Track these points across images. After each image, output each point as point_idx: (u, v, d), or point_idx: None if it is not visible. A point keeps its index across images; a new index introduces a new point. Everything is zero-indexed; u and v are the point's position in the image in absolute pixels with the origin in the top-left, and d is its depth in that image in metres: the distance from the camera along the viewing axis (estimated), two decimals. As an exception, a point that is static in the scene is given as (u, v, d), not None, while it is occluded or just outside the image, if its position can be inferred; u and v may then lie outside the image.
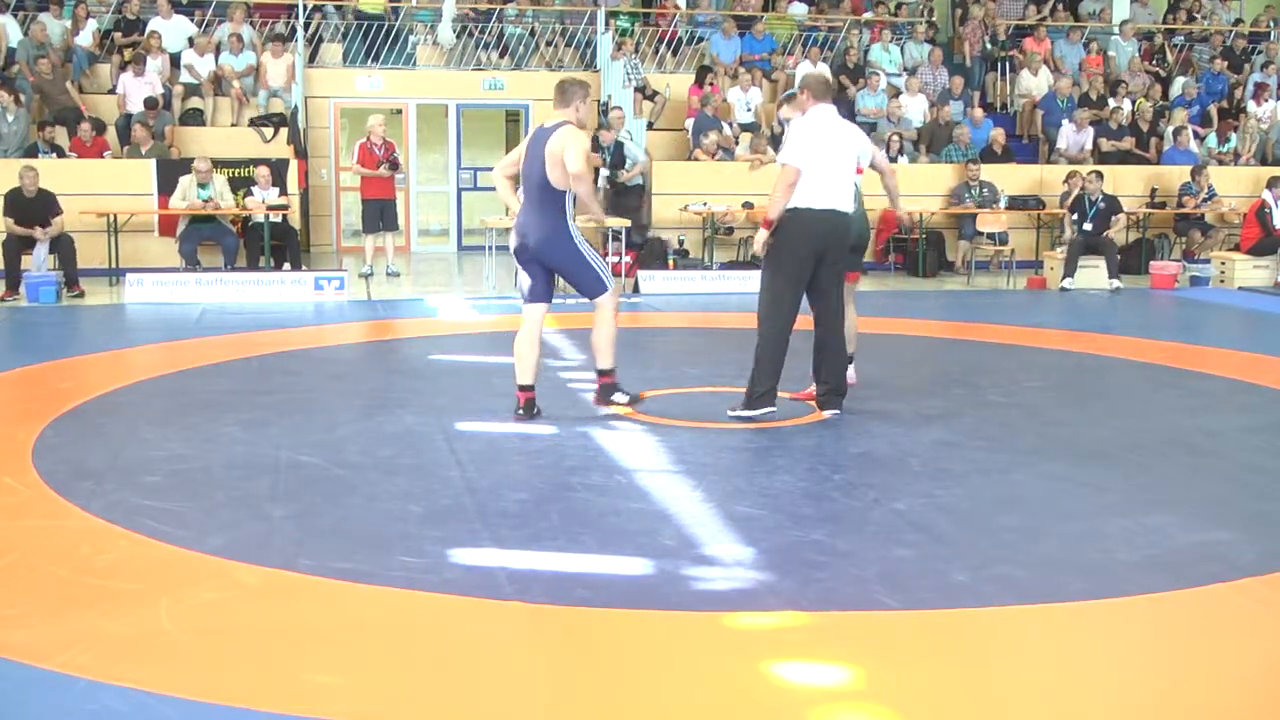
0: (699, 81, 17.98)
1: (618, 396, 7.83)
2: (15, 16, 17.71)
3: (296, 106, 17.19)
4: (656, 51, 19.58)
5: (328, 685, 4.04)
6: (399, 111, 19.18)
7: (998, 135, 18.04)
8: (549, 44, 19.62)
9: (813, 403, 7.99)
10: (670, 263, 15.38)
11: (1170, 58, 21.40)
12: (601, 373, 7.83)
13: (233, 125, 17.11)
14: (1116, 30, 21.18)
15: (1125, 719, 3.92)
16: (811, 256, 7.60)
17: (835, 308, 7.82)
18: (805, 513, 5.93)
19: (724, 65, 18.45)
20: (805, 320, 7.80)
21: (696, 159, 16.66)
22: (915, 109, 18.44)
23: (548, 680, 4.17)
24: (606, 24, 19.20)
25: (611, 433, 7.47)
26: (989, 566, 5.15)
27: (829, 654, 4.33)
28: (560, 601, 4.71)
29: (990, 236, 16.60)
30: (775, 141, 15.66)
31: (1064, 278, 15.14)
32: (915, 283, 16.02)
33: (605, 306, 7.66)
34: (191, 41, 17.59)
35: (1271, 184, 16.03)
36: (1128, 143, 18.54)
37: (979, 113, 18.57)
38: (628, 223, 14.54)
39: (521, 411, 7.69)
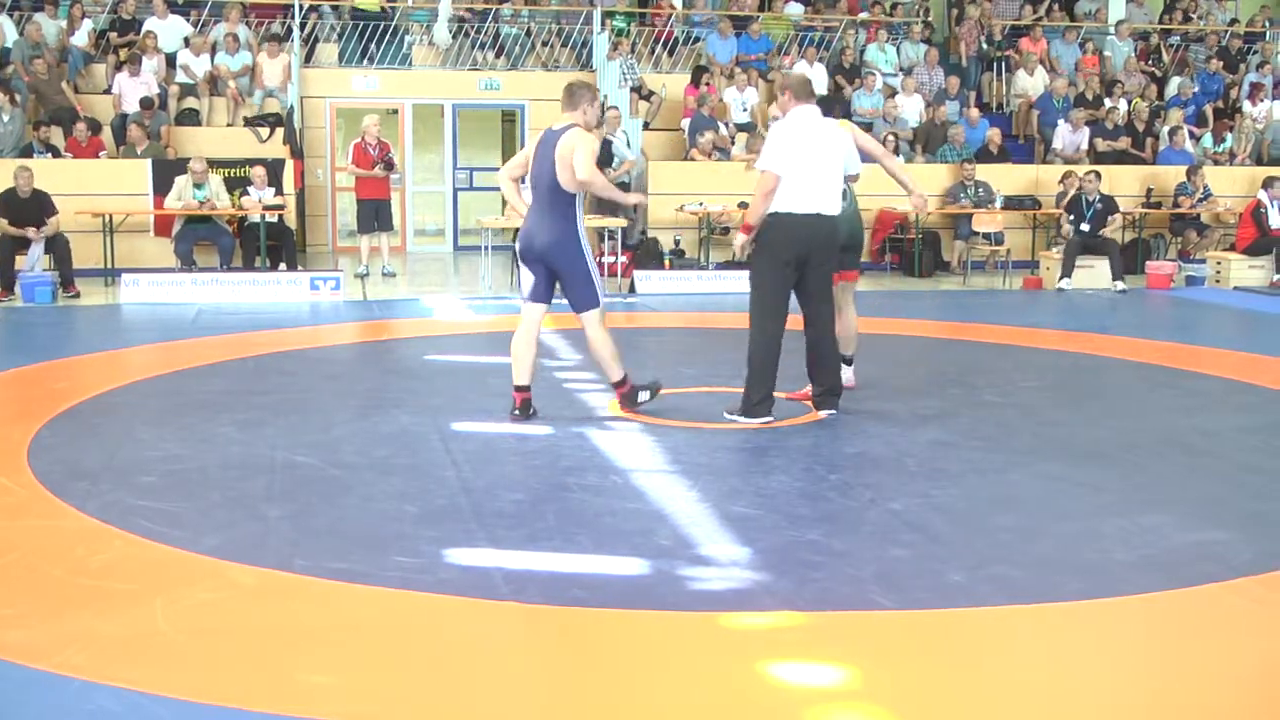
0: (695, 82, 17.99)
1: (641, 396, 7.88)
2: (10, 16, 17.69)
3: (292, 106, 17.18)
4: (652, 51, 19.57)
5: (322, 685, 4.04)
6: (395, 111, 19.17)
7: (994, 135, 18.04)
8: (545, 44, 19.62)
9: (809, 403, 7.99)
10: (666, 263, 15.38)
11: (1166, 58, 21.42)
12: (616, 385, 7.86)
13: (228, 125, 17.11)
14: (1112, 30, 21.19)
15: (1121, 718, 3.92)
16: (795, 262, 7.54)
17: (825, 309, 7.78)
18: (801, 513, 5.93)
19: (720, 65, 18.45)
20: (799, 320, 7.80)
21: (692, 159, 16.67)
22: (911, 109, 18.45)
23: (543, 680, 4.16)
24: (603, 24, 19.22)
25: (607, 433, 7.47)
26: (985, 566, 5.15)
27: (825, 654, 4.33)
28: (556, 601, 4.71)
29: (986, 236, 16.60)
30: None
31: (1061, 278, 15.14)
32: (911, 283, 16.02)
33: (592, 322, 7.66)
34: (187, 41, 17.59)
35: (1267, 184, 16.04)
36: (1123, 143, 18.55)
37: (975, 113, 18.58)
38: (624, 223, 14.54)
39: (517, 412, 7.69)
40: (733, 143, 17.06)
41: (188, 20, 18.18)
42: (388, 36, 18.93)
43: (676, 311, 13.07)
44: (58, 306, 13.06)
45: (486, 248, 14.95)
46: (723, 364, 9.09)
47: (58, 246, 13.66)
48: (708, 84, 17.82)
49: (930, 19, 21.33)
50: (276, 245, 14.93)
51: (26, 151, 15.40)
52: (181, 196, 14.49)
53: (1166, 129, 18.69)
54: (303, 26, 18.62)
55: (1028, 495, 6.28)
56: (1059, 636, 4.53)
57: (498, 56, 19.38)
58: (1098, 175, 15.70)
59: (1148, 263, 16.22)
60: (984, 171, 17.07)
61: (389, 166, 15.33)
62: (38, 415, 7.71)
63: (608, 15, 19.46)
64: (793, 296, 7.70)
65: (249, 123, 16.92)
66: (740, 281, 14.00)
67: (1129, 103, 19.29)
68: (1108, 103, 19.08)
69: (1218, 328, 13.03)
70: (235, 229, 15.03)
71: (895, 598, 4.77)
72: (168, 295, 13.43)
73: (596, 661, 4.30)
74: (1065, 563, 5.22)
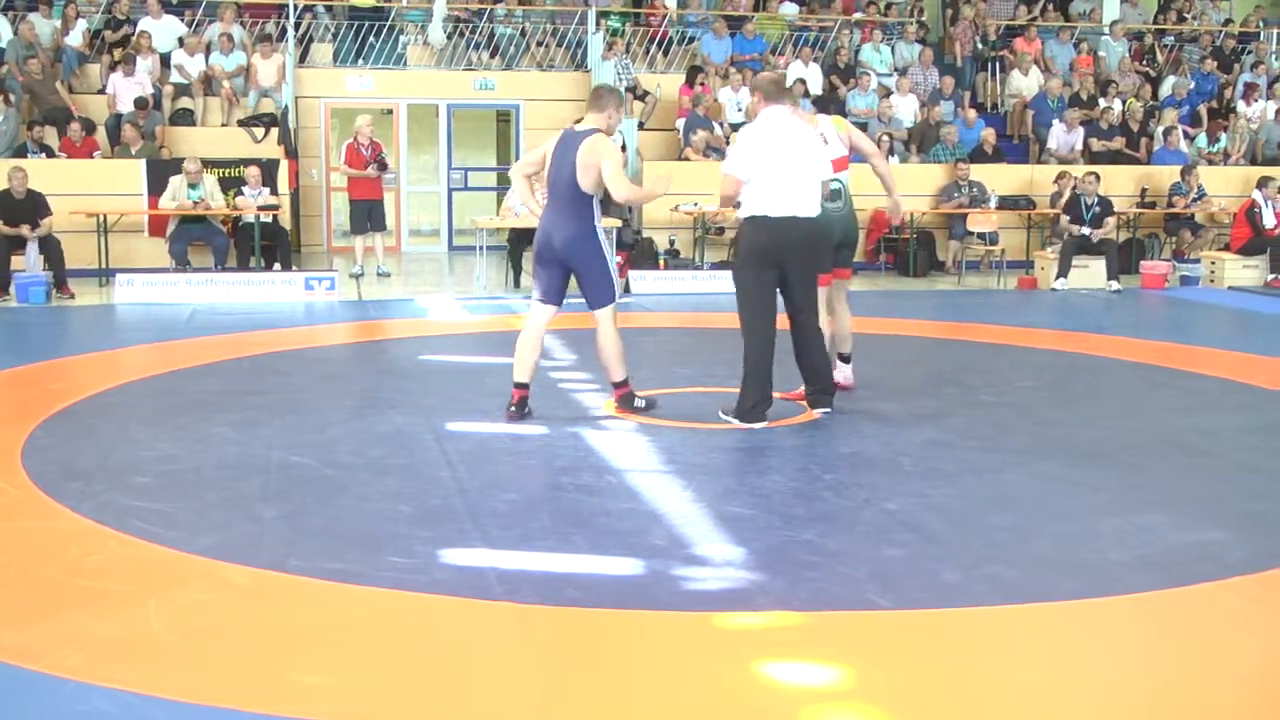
0: (690, 81, 17.99)
1: (638, 403, 7.87)
2: (5, 16, 17.66)
3: (287, 106, 17.17)
4: (647, 52, 19.57)
5: (317, 686, 4.04)
6: (389, 111, 19.17)
7: (988, 135, 18.05)
8: (540, 44, 19.62)
9: (803, 402, 7.99)
10: (661, 263, 15.38)
11: (1160, 58, 21.44)
12: (617, 385, 7.86)
13: (223, 125, 17.08)
14: (1107, 30, 21.21)
15: (1115, 718, 3.92)
16: (774, 266, 7.50)
17: (808, 311, 7.70)
18: (796, 512, 5.92)
19: (715, 65, 18.46)
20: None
21: (687, 159, 16.67)
22: (906, 109, 18.47)
23: (538, 680, 4.16)
24: (597, 24, 19.22)
25: (602, 433, 7.47)
26: (980, 566, 5.15)
27: (820, 654, 4.32)
28: (550, 602, 4.70)
29: (981, 236, 16.62)
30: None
31: (1056, 278, 15.15)
32: (906, 282, 16.04)
33: (606, 319, 7.68)
34: (182, 41, 17.56)
35: (1261, 184, 16.07)
36: (1118, 143, 18.56)
37: (972, 114, 18.60)
38: (619, 223, 14.54)
39: (513, 409, 7.69)
40: (727, 142, 17.03)
41: (182, 20, 18.15)
42: (382, 36, 18.92)
43: (671, 311, 13.07)
44: (52, 307, 13.04)
45: (481, 248, 14.94)
46: (717, 364, 9.09)
47: (50, 248, 13.64)
48: (702, 84, 17.83)
49: (925, 19, 21.34)
50: (271, 245, 14.91)
51: (21, 152, 15.39)
52: (176, 197, 14.48)
53: (1161, 129, 18.72)
54: (297, 26, 18.61)
55: (1024, 495, 6.28)
56: (1054, 636, 4.53)
57: (492, 56, 19.38)
58: (1096, 177, 15.70)
59: (1142, 262, 16.22)
60: (979, 171, 17.08)
61: (382, 167, 15.33)
62: (32, 415, 7.70)
63: (603, 15, 19.47)
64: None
65: (243, 123, 16.90)
66: (733, 281, 14.06)
67: (1123, 103, 19.31)
68: (1102, 103, 19.09)
69: (1213, 327, 13.04)
70: (230, 229, 15.02)
71: (890, 598, 4.77)
72: (162, 295, 13.42)
73: (591, 662, 4.29)
74: (1061, 562, 5.22)
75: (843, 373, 8.63)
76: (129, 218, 14.99)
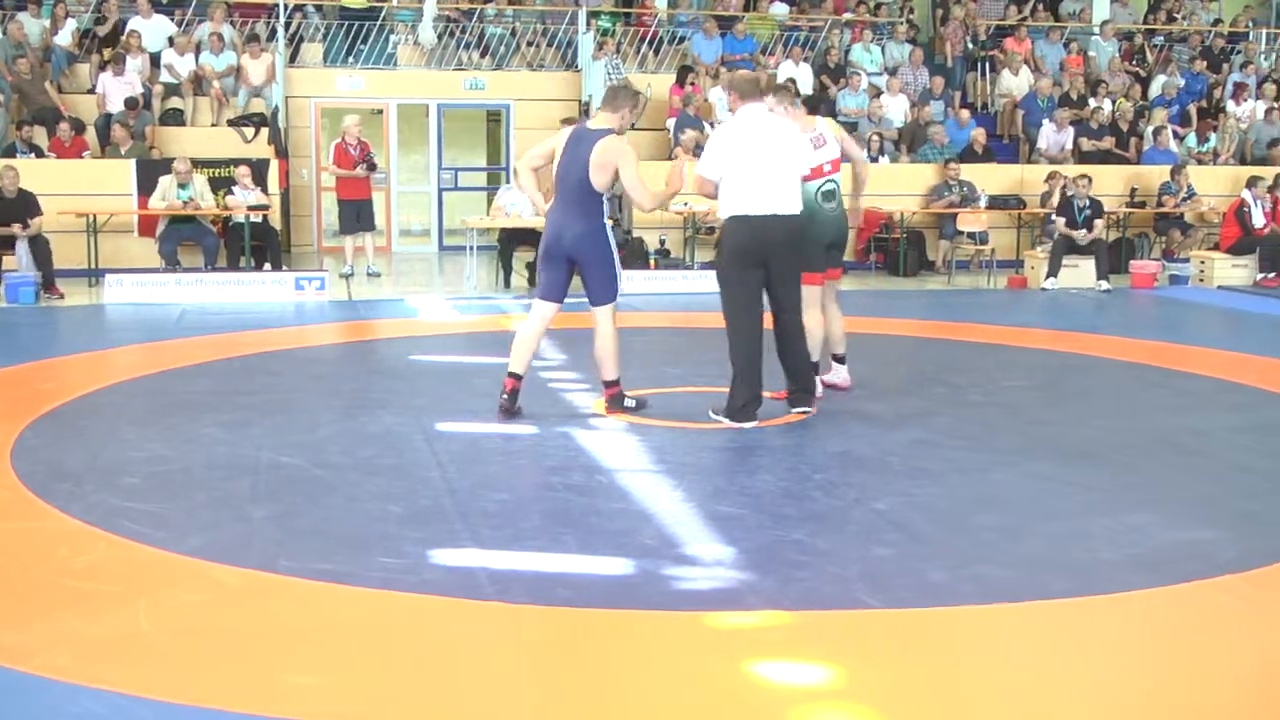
0: (680, 81, 18.00)
1: (628, 403, 7.87)
2: (-7, 16, 17.65)
3: (277, 106, 17.14)
4: (638, 51, 19.57)
5: (307, 686, 4.03)
6: (380, 111, 19.14)
7: (978, 135, 18.07)
8: (530, 44, 19.60)
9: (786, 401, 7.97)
10: (651, 263, 15.38)
11: (1150, 58, 21.48)
12: (608, 384, 7.86)
13: (213, 125, 17.04)
14: (1097, 30, 21.24)
15: (1105, 716, 3.93)
16: (757, 265, 7.49)
17: (790, 310, 7.68)
18: (786, 512, 5.93)
19: (705, 65, 18.46)
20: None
21: (676, 158, 16.64)
22: (896, 109, 18.48)
23: (528, 680, 4.16)
24: (588, 24, 19.21)
25: (592, 433, 7.46)
26: (969, 565, 5.16)
27: (810, 653, 4.33)
28: (541, 601, 4.70)
29: (971, 236, 16.63)
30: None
31: (1047, 277, 15.18)
32: (896, 282, 16.05)
33: (606, 316, 7.68)
34: (171, 41, 17.52)
35: (1250, 183, 16.11)
36: (1108, 142, 18.59)
37: (965, 114, 18.61)
38: (610, 221, 14.50)
39: (506, 397, 7.68)
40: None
41: (172, 19, 18.11)
42: (372, 36, 18.90)
43: (661, 311, 13.07)
44: (41, 307, 13.00)
45: (471, 248, 14.93)
46: (707, 364, 9.09)
47: (38, 248, 13.59)
48: (693, 84, 17.83)
49: (915, 19, 21.36)
50: (261, 245, 14.88)
51: (9, 152, 15.32)
52: (166, 196, 14.45)
53: (1150, 129, 18.75)
54: (287, 26, 18.59)
55: (1014, 494, 6.29)
56: (1044, 635, 4.54)
57: (483, 56, 19.37)
58: (1088, 180, 15.70)
59: (1132, 262, 16.26)
60: (969, 171, 17.09)
61: (371, 167, 15.31)
62: (21, 416, 7.68)
63: (593, 15, 19.46)
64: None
65: (233, 123, 16.86)
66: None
67: (1113, 102, 19.34)
68: (1092, 102, 19.12)
69: (1203, 327, 13.07)
70: (220, 229, 14.98)
71: (880, 597, 4.77)
72: (152, 295, 13.38)
73: (581, 661, 4.29)
74: (1051, 562, 5.22)
75: (839, 374, 8.63)
76: (118, 218, 14.94)
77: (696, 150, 16.46)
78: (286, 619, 4.61)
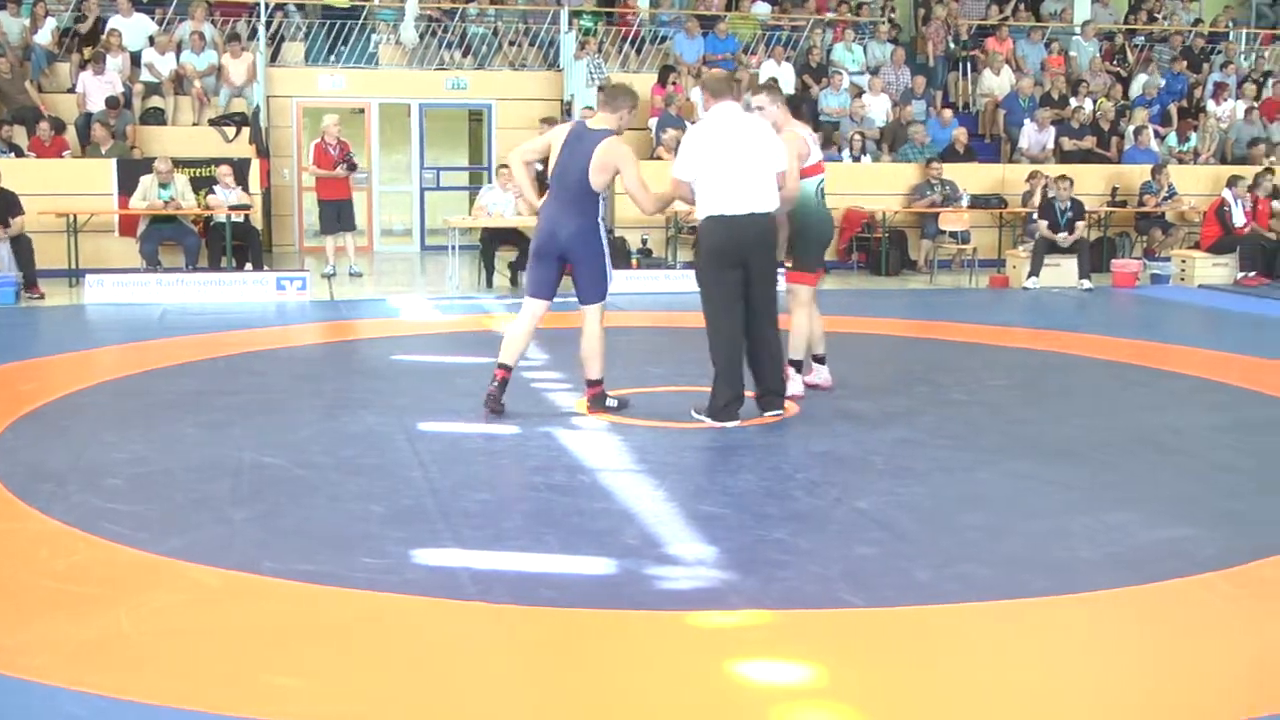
0: (662, 81, 17.99)
1: (610, 402, 7.87)
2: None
3: (258, 106, 17.10)
4: (620, 51, 19.56)
5: (289, 687, 4.02)
6: (361, 111, 19.12)
7: (960, 134, 18.11)
8: (512, 44, 19.60)
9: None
10: (634, 262, 15.38)
11: (1131, 58, 21.55)
12: (591, 383, 7.85)
13: (194, 124, 16.99)
14: (1078, 30, 21.32)
15: (1086, 713, 3.94)
16: (735, 265, 7.46)
17: (764, 312, 7.62)
18: (768, 511, 5.93)
19: (687, 65, 18.47)
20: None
21: (659, 158, 16.65)
22: (878, 108, 18.52)
23: (511, 680, 4.15)
24: (570, 23, 19.21)
25: (575, 432, 7.46)
26: (951, 564, 5.16)
27: (792, 652, 4.33)
28: (523, 601, 4.70)
29: (953, 235, 16.67)
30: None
31: (1028, 276, 15.22)
32: (878, 281, 16.07)
33: (594, 315, 7.69)
34: (152, 40, 17.47)
35: (1231, 182, 16.19)
36: (1089, 142, 18.66)
37: (948, 114, 18.66)
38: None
39: (496, 385, 7.68)
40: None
41: (152, 18, 18.05)
42: (354, 35, 18.86)
43: (643, 311, 13.06)
44: (21, 307, 12.95)
45: (453, 248, 14.92)
46: (689, 363, 9.08)
47: (20, 247, 13.54)
48: (675, 83, 17.83)
49: (897, 18, 21.40)
50: (242, 245, 14.84)
51: (-11, 151, 15.29)
52: (146, 196, 14.41)
53: (1131, 128, 18.82)
54: (268, 25, 18.54)
55: (996, 493, 6.30)
56: (1025, 633, 4.55)
57: (465, 56, 19.35)
58: (1070, 182, 15.73)
59: (1113, 261, 16.33)
60: (950, 171, 17.13)
61: (351, 167, 15.30)
62: (1, 417, 7.64)
63: (575, 15, 19.47)
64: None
65: (215, 122, 16.82)
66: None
67: (1094, 102, 19.41)
68: (1073, 102, 19.19)
69: (1184, 325, 13.12)
70: (201, 229, 14.94)
71: (863, 596, 4.78)
72: (133, 295, 13.34)
73: (564, 661, 4.29)
74: (1032, 560, 5.24)
75: (820, 374, 8.64)
76: (99, 218, 14.90)
77: (678, 149, 16.50)
78: (269, 620, 4.60)
